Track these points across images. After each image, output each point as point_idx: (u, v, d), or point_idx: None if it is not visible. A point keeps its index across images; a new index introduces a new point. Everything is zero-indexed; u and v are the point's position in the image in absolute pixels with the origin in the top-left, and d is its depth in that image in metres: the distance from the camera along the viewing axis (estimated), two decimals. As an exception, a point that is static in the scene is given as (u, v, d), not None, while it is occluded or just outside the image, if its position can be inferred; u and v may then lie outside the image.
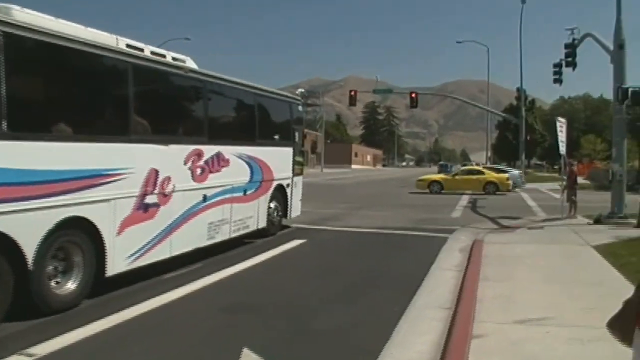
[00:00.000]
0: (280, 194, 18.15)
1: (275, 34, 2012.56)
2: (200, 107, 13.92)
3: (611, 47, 22.91)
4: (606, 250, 14.60)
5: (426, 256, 14.66)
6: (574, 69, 29.23)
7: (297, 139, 19.42)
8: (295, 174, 19.25)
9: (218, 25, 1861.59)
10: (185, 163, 12.66)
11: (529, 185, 54.11)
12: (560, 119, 26.16)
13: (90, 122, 10.20)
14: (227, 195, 14.43)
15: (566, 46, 28.74)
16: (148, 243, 11.31)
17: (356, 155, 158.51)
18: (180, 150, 12.56)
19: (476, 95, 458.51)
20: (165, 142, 12.01)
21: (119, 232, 10.39)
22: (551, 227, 20.90)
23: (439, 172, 69.35)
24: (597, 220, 21.56)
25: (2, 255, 8.08)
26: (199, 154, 13.13)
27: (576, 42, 28.28)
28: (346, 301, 10.48)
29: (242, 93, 15.82)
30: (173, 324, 9.03)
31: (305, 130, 22.37)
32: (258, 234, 16.78)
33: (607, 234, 17.75)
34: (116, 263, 10.37)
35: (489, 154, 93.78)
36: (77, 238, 9.57)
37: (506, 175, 46.08)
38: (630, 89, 21.33)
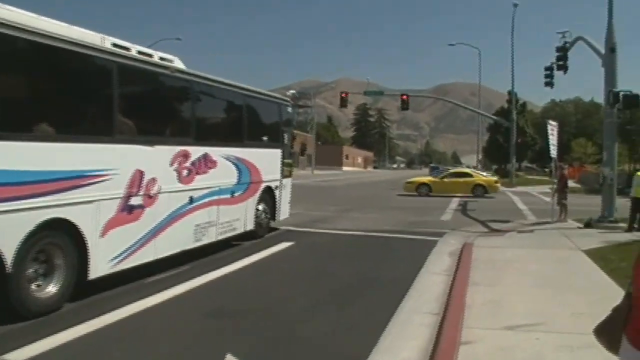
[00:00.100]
0: (269, 196, 17.97)
1: (267, 36, 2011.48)
2: (187, 108, 13.75)
3: (603, 51, 22.87)
4: (596, 255, 14.52)
5: (415, 260, 14.53)
6: (565, 72, 29.22)
7: (286, 140, 19.24)
8: (284, 176, 19.07)
9: (208, 26, 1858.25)
10: (171, 164, 12.48)
11: (519, 189, 54.16)
12: (551, 122, 26.11)
13: (73, 122, 10.00)
14: (214, 197, 14.26)
15: (558, 49, 28.72)
16: (132, 245, 11.12)
17: (347, 157, 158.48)
18: (166, 151, 12.38)
19: (468, 97, 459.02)
20: (151, 143, 11.82)
21: (102, 234, 10.20)
22: (541, 231, 20.84)
23: (430, 175, 69.36)
24: (588, 224, 21.54)
25: (-22, 257, 7.91)
26: (186, 155, 12.96)
27: (568, 45, 28.27)
28: (333, 306, 10.34)
29: (230, 94, 15.64)
30: (155, 329, 8.89)
31: (295, 132, 22.22)
32: (246, 236, 16.60)
33: (597, 238, 17.69)
34: (99, 266, 10.18)
35: (480, 157, 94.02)
36: (59, 240, 9.38)
37: (494, 177, 46.30)
38: (621, 93, 21.34)
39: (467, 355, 7.24)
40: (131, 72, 11.24)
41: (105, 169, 10.22)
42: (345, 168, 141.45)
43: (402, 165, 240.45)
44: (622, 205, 22.35)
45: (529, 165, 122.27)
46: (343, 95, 54.25)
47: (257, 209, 17.07)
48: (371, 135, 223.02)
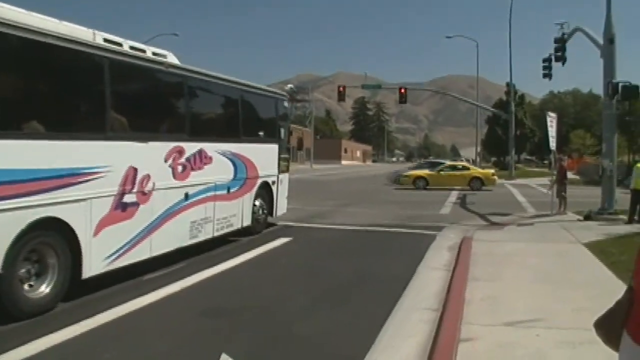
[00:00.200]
0: (266, 192, 17.84)
1: (264, 30, 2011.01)
2: (182, 103, 13.57)
3: (601, 42, 22.72)
4: (597, 248, 14.41)
5: (414, 255, 14.42)
6: (563, 64, 29.11)
7: (282, 135, 19.11)
8: (281, 171, 18.94)
9: (206, 21, 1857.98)
10: (165, 161, 12.33)
11: (518, 181, 54.05)
12: (550, 113, 26.00)
13: (64, 119, 9.82)
14: (210, 193, 14.11)
15: (556, 41, 28.61)
16: (127, 243, 10.98)
17: (346, 151, 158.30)
18: (160, 148, 12.23)
19: (466, 90, 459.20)
20: (145, 139, 11.65)
21: (96, 233, 10.06)
22: (541, 224, 20.72)
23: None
24: (588, 217, 21.42)
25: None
26: (180, 151, 12.81)
27: (566, 36, 28.15)
28: (330, 303, 10.20)
29: (226, 89, 15.48)
30: (150, 328, 8.76)
31: (293, 126, 22.09)
32: (243, 232, 16.47)
33: (597, 231, 17.58)
34: (93, 265, 10.04)
35: (479, 149, 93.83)
36: (51, 239, 9.24)
37: (492, 170, 46.36)
38: (620, 84, 21.24)
39: (467, 352, 7.13)
40: (123, 67, 11.07)
41: (97, 166, 10.07)
42: (344, 162, 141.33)
43: (401, 159, 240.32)
44: (621, 197, 22.25)
45: (528, 157, 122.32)
46: (341, 89, 54.17)
47: (254, 205, 16.93)
48: (370, 129, 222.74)
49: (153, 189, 11.71)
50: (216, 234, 14.62)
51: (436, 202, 30.98)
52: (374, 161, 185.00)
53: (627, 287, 3.28)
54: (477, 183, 42.25)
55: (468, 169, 46.00)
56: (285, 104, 19.75)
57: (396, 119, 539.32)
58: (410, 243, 16.72)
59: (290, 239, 16.93)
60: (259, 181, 17.10)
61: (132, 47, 11.79)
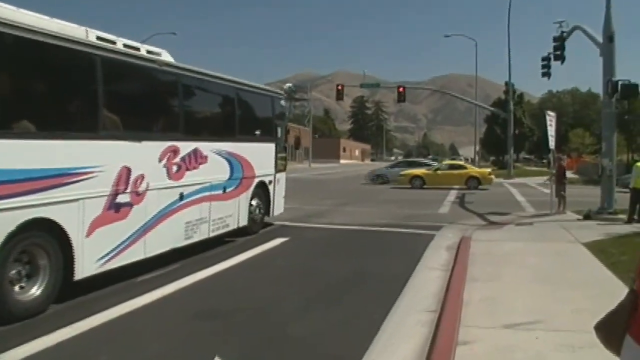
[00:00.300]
0: (262, 191, 17.69)
1: (263, 29, 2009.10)
2: (176, 102, 13.39)
3: (600, 40, 22.59)
4: (596, 248, 14.28)
5: (412, 254, 14.29)
6: (562, 63, 29.02)
7: (279, 134, 18.97)
8: (278, 171, 18.78)
9: (204, 20, 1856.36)
10: (159, 160, 12.18)
11: (517, 180, 53.96)
12: (549, 112, 25.92)
13: (55, 118, 9.68)
14: (206, 193, 13.96)
15: (555, 39, 28.53)
16: (120, 244, 10.83)
17: (344, 150, 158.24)
18: (154, 147, 12.08)
19: (465, 89, 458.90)
20: (138, 139, 11.50)
21: (89, 234, 9.90)
22: (540, 223, 20.60)
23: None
24: (587, 216, 21.30)
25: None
26: (175, 151, 12.66)
27: (565, 35, 28.02)
28: (327, 304, 10.06)
29: (221, 87, 15.32)
30: (143, 330, 8.62)
31: (291, 125, 21.97)
32: (239, 232, 16.32)
33: (597, 231, 17.44)
34: (85, 266, 9.89)
35: (478, 148, 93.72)
36: (43, 240, 9.09)
37: (488, 169, 46.49)
38: (620, 82, 21.09)
39: (465, 356, 7.00)
40: (116, 65, 10.93)
41: (89, 166, 9.92)
42: (342, 161, 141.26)
43: (399, 158, 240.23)
44: (620, 196, 22.14)
45: (526, 156, 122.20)
46: (339, 87, 54.11)
47: (251, 205, 16.79)
48: (368, 128, 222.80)
49: (147, 189, 11.56)
50: (212, 234, 14.47)
51: (435, 201, 30.85)
52: (372, 160, 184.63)
53: (629, 289, 3.15)
54: (473, 182, 42.11)
55: (465, 168, 45.95)
56: (282, 102, 19.62)
57: (395, 118, 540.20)
58: (408, 243, 16.60)
59: (287, 239, 16.78)
60: (256, 180, 16.95)
61: (125, 45, 11.67)
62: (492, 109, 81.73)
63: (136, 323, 8.92)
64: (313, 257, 14.63)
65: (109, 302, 9.61)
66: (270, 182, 18.12)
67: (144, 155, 11.64)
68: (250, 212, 16.72)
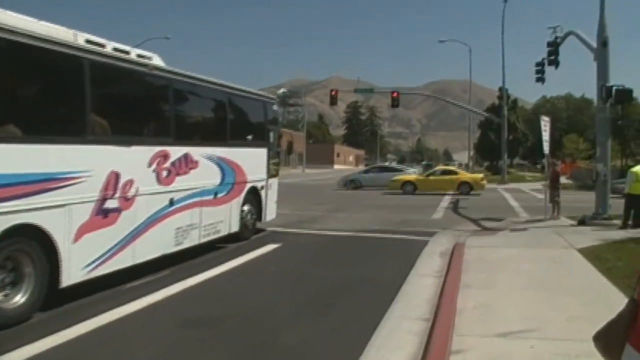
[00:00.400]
0: (254, 197, 17.51)
1: (257, 34, 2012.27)
2: (167, 106, 13.22)
3: (594, 45, 22.51)
4: (591, 254, 14.14)
5: (405, 261, 14.13)
6: (556, 67, 28.89)
7: (271, 139, 18.79)
8: (270, 176, 18.60)
9: (198, 25, 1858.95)
10: (149, 165, 12.01)
11: (511, 185, 53.91)
12: (544, 117, 25.88)
13: (42, 122, 9.47)
14: (196, 199, 13.79)
15: (549, 44, 28.39)
16: (108, 251, 10.65)
17: (338, 155, 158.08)
18: (144, 152, 11.91)
19: (459, 94, 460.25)
20: (127, 143, 11.33)
21: (76, 240, 9.72)
22: (534, 229, 20.47)
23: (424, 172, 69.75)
24: (581, 222, 21.16)
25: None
26: (165, 156, 12.49)
27: (559, 40, 27.92)
28: (318, 312, 9.90)
29: (212, 91, 15.16)
30: (131, 338, 8.45)
31: (285, 130, 21.85)
32: (231, 238, 16.15)
33: (591, 236, 17.31)
34: (72, 273, 9.70)
35: (472, 154, 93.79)
36: (28, 247, 8.90)
37: (480, 175, 46.70)
38: (614, 88, 20.99)
39: (458, 365, 6.84)
40: (105, 69, 10.78)
41: (77, 171, 9.74)
42: (336, 166, 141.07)
43: (393, 163, 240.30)
44: (614, 202, 22.03)
45: (520, 161, 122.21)
46: (333, 93, 53.92)
47: (242, 210, 16.61)
48: (362, 133, 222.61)
49: (136, 195, 11.39)
50: (202, 240, 14.29)
51: (428, 206, 30.73)
52: (366, 165, 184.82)
53: (629, 299, 3.10)
54: (465, 187, 42.12)
55: (456, 173, 45.96)
56: (275, 107, 19.45)
57: (389, 124, 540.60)
58: (401, 249, 16.45)
59: (279, 245, 16.62)
60: (248, 186, 16.78)
61: (115, 49, 11.49)
62: (486, 114, 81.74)
63: (124, 331, 8.75)
64: (305, 263, 14.49)
65: (96, 310, 9.45)
66: (262, 187, 17.94)
67: (133, 160, 11.48)
68: (241, 218, 16.55)
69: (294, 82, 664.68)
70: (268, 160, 18.42)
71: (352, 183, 48.49)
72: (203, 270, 12.86)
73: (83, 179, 9.88)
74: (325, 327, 8.98)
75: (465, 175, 45.32)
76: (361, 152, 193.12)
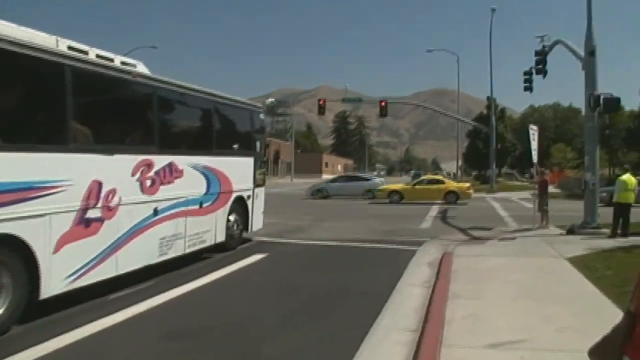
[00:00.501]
0: (241, 206, 17.34)
1: (246, 44, 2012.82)
2: (151, 115, 13.01)
3: (582, 54, 22.48)
4: (581, 263, 14.02)
5: (393, 271, 13.97)
6: (544, 77, 28.93)
7: (258, 148, 18.63)
8: (256, 185, 18.44)
9: (187, 35, 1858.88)
10: (133, 174, 11.82)
11: (499, 194, 53.89)
12: (532, 126, 25.88)
13: (22, 130, 9.30)
14: (181, 208, 13.60)
15: (536, 53, 28.42)
16: (91, 261, 10.45)
17: (327, 165, 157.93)
18: (127, 161, 11.72)
19: (447, 104, 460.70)
20: (110, 152, 11.14)
21: (56, 250, 9.52)
22: (523, 238, 20.35)
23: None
24: (570, 231, 21.08)
25: None
26: (149, 165, 12.31)
27: (547, 49, 27.92)
28: (304, 323, 9.69)
29: (198, 100, 14.99)
30: (114, 351, 8.27)
31: (274, 140, 21.71)
32: (217, 248, 15.96)
33: (581, 245, 17.20)
34: (52, 284, 9.49)
35: (460, 163, 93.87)
36: (6, 257, 8.69)
37: (467, 184, 46.80)
38: (602, 96, 20.95)
39: (446, 378, 6.67)
40: (88, 76, 10.58)
41: (58, 180, 9.55)
42: (325, 176, 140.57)
43: (382, 173, 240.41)
44: (603, 210, 21.97)
45: (509, 171, 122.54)
46: (321, 102, 53.81)
47: (228, 220, 16.43)
48: (351, 143, 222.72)
49: (119, 204, 11.21)
50: (187, 250, 14.10)
51: (417, 215, 30.62)
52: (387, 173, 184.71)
53: (625, 311, 3.04)
54: (452, 196, 42.08)
55: (443, 182, 45.92)
56: (261, 116, 19.28)
57: (378, 133, 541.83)
58: (389, 259, 16.27)
59: (266, 255, 16.46)
60: (234, 195, 16.61)
61: (98, 56, 11.32)
62: (474, 123, 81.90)
63: (106, 343, 8.57)
64: (291, 273, 14.29)
65: (77, 321, 9.27)
66: (248, 197, 17.78)
67: (116, 169, 11.29)
68: (227, 228, 16.37)
69: (283, 91, 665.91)
70: (255, 170, 18.26)
71: (319, 192, 48.87)
72: (188, 280, 12.67)
73: (64, 188, 9.68)
74: (312, 338, 8.81)
75: (451, 185, 45.30)
76: (350, 162, 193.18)
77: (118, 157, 11.40)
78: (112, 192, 11.00)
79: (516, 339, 8.02)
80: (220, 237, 15.96)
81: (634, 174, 22.48)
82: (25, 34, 9.40)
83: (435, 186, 44.09)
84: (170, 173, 13.14)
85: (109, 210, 10.94)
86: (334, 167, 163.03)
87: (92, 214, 10.46)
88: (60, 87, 9.84)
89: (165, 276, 12.94)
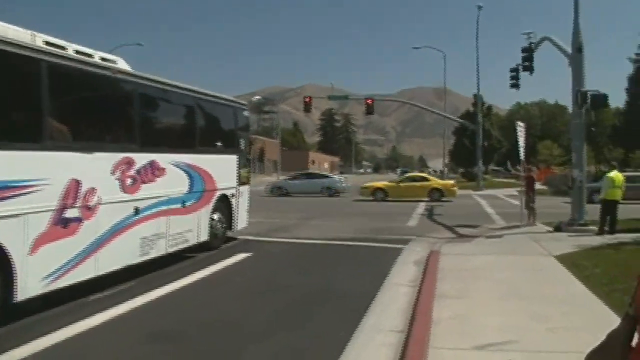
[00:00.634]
0: (224, 205, 17.09)
1: (232, 42, 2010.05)
2: (131, 112, 12.75)
3: (569, 51, 22.37)
4: (569, 261, 13.92)
5: (379, 270, 13.79)
6: (531, 73, 28.75)
7: (242, 146, 18.40)
8: (241, 183, 18.21)
9: (172, 34, 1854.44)
10: (112, 173, 11.56)
11: (486, 192, 53.87)
12: (519, 123, 25.78)
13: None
14: (163, 207, 13.35)
15: (523, 50, 28.25)
16: (69, 262, 10.19)
17: (313, 162, 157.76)
18: (107, 159, 11.46)
19: (434, 102, 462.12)
20: (89, 150, 10.87)
21: (32, 251, 9.25)
22: (510, 236, 20.23)
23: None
24: (558, 228, 21.00)
25: None
26: (130, 163, 12.05)
27: (533, 45, 27.79)
28: (287, 324, 9.47)
29: (180, 96, 14.74)
30: (93, 354, 8.06)
31: (255, 137, 21.47)
32: (201, 247, 15.73)
33: (568, 243, 17.12)
34: (29, 286, 9.22)
35: (447, 160, 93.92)
36: (-21, 259, 8.42)
37: (451, 181, 46.82)
38: (589, 93, 20.87)
39: (434, 381, 6.48)
40: (65, 72, 10.30)
41: (33, 178, 9.28)
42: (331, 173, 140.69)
43: (369, 170, 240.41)
44: (590, 207, 21.90)
45: (495, 168, 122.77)
46: (307, 100, 53.68)
47: (212, 219, 16.18)
48: (337, 141, 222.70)
49: (98, 203, 10.95)
50: (169, 250, 13.84)
51: (403, 213, 30.49)
52: (341, 173, 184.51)
53: (623, 315, 2.91)
54: (436, 194, 42.04)
55: (427, 180, 45.86)
56: (245, 113, 19.03)
57: (364, 131, 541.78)
58: (375, 257, 16.08)
59: (250, 254, 16.22)
60: (217, 194, 16.37)
61: (77, 51, 11.05)
62: (460, 120, 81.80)
63: (84, 347, 8.33)
64: (276, 273, 14.08)
65: (55, 324, 9.01)
66: (232, 195, 17.54)
67: (95, 168, 11.03)
68: (211, 227, 16.13)
69: (269, 89, 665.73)
70: (239, 168, 18.02)
71: (278, 190, 49.14)
72: (170, 281, 12.43)
73: (40, 188, 9.41)
74: (296, 340, 8.61)
75: (436, 182, 45.23)
76: (336, 159, 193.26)
77: (97, 155, 11.13)
78: (91, 191, 10.74)
79: (505, 340, 7.84)
80: (204, 236, 15.72)
81: (621, 171, 22.45)
82: (-1, 29, 9.14)
83: (419, 184, 44.02)
84: (152, 171, 12.90)
85: (88, 210, 10.68)
86: (321, 165, 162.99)
87: (70, 213, 10.20)
88: (37, 83, 9.56)
89: (147, 276, 12.69)
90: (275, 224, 24.39)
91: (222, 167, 16.75)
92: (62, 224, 10.00)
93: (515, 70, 31.42)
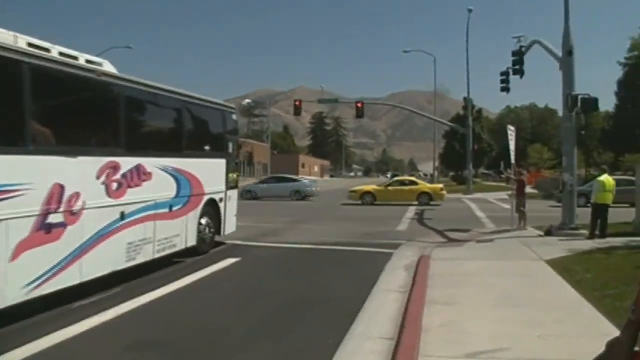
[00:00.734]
0: (213, 209, 16.92)
1: (222, 45, 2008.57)
2: (117, 115, 12.54)
3: (559, 54, 22.32)
4: (560, 266, 13.82)
5: (368, 275, 13.64)
6: (521, 77, 28.71)
7: (231, 149, 18.24)
8: (229, 187, 18.04)
9: (162, 36, 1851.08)
10: (97, 177, 11.37)
11: (476, 195, 53.87)
12: (510, 126, 25.76)
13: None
14: (150, 212, 13.16)
15: (513, 54, 28.20)
16: (52, 268, 9.98)
17: (303, 166, 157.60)
18: (91, 163, 11.27)
19: (424, 105, 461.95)
20: (73, 154, 10.68)
21: (13, 257, 9.04)
22: (501, 240, 20.15)
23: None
24: (548, 232, 20.95)
25: None
26: (115, 167, 11.87)
27: (523, 49, 27.74)
28: (274, 332, 9.29)
29: (167, 99, 14.56)
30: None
31: (244, 140, 21.30)
32: (189, 252, 15.56)
33: (559, 247, 17.02)
34: (9, 293, 9.03)
35: (437, 164, 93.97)
36: (-42, 266, 8.22)
37: (440, 185, 46.78)
38: (580, 96, 20.83)
39: (423, 391, 6.33)
40: (48, 74, 10.12)
41: (15, 183, 9.08)
42: (301, 177, 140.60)
43: (359, 174, 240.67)
44: (581, 211, 21.86)
45: (485, 171, 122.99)
46: (297, 103, 53.58)
47: (200, 223, 16.01)
48: (328, 144, 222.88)
49: (83, 208, 10.75)
50: (156, 255, 13.65)
51: (393, 217, 30.36)
52: (331, 176, 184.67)
53: (626, 322, 2.86)
54: (425, 198, 42.05)
55: (416, 183, 45.84)
56: (234, 116, 18.88)
57: (354, 134, 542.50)
58: (365, 262, 15.96)
59: (239, 259, 16.06)
60: (205, 198, 16.19)
61: (61, 53, 10.87)
62: (451, 124, 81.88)
63: (67, 355, 8.17)
64: (264, 278, 13.93)
65: (38, 332, 8.81)
66: (221, 199, 17.36)
67: (79, 172, 10.83)
68: (199, 232, 15.95)
69: (259, 92, 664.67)
70: (227, 171, 17.85)
71: (247, 193, 48.28)
72: (157, 287, 12.25)
73: (22, 192, 9.22)
74: (283, 348, 8.45)
75: (425, 186, 45.21)
76: (326, 163, 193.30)
77: (82, 159, 10.94)
78: (76, 195, 10.54)
79: (497, 347, 7.70)
80: (192, 241, 15.54)
81: (611, 174, 22.44)
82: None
83: (408, 187, 44.11)
84: (138, 175, 12.72)
85: (72, 215, 10.48)
86: (311, 168, 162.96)
87: (54, 218, 10.00)
88: (20, 86, 9.39)
89: (134, 282, 12.50)
90: (265, 228, 24.25)
91: (210, 171, 16.58)
92: (45, 230, 9.80)
93: (505, 73, 31.35)
